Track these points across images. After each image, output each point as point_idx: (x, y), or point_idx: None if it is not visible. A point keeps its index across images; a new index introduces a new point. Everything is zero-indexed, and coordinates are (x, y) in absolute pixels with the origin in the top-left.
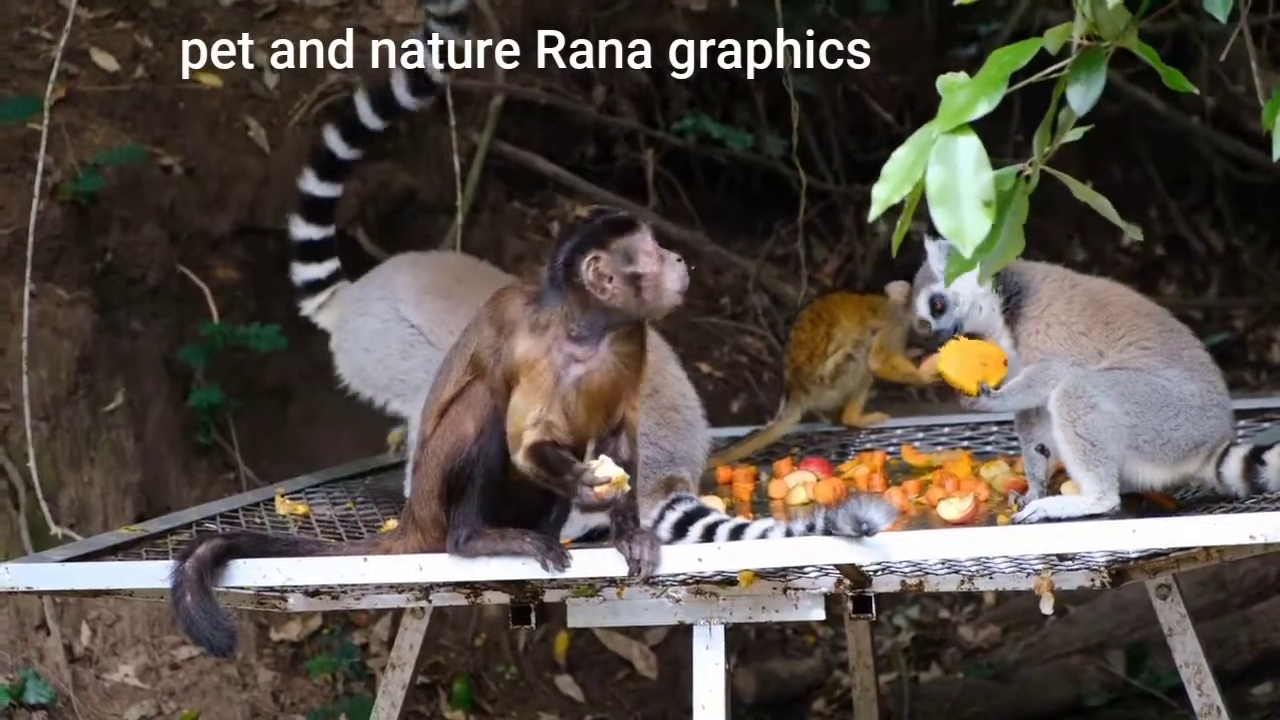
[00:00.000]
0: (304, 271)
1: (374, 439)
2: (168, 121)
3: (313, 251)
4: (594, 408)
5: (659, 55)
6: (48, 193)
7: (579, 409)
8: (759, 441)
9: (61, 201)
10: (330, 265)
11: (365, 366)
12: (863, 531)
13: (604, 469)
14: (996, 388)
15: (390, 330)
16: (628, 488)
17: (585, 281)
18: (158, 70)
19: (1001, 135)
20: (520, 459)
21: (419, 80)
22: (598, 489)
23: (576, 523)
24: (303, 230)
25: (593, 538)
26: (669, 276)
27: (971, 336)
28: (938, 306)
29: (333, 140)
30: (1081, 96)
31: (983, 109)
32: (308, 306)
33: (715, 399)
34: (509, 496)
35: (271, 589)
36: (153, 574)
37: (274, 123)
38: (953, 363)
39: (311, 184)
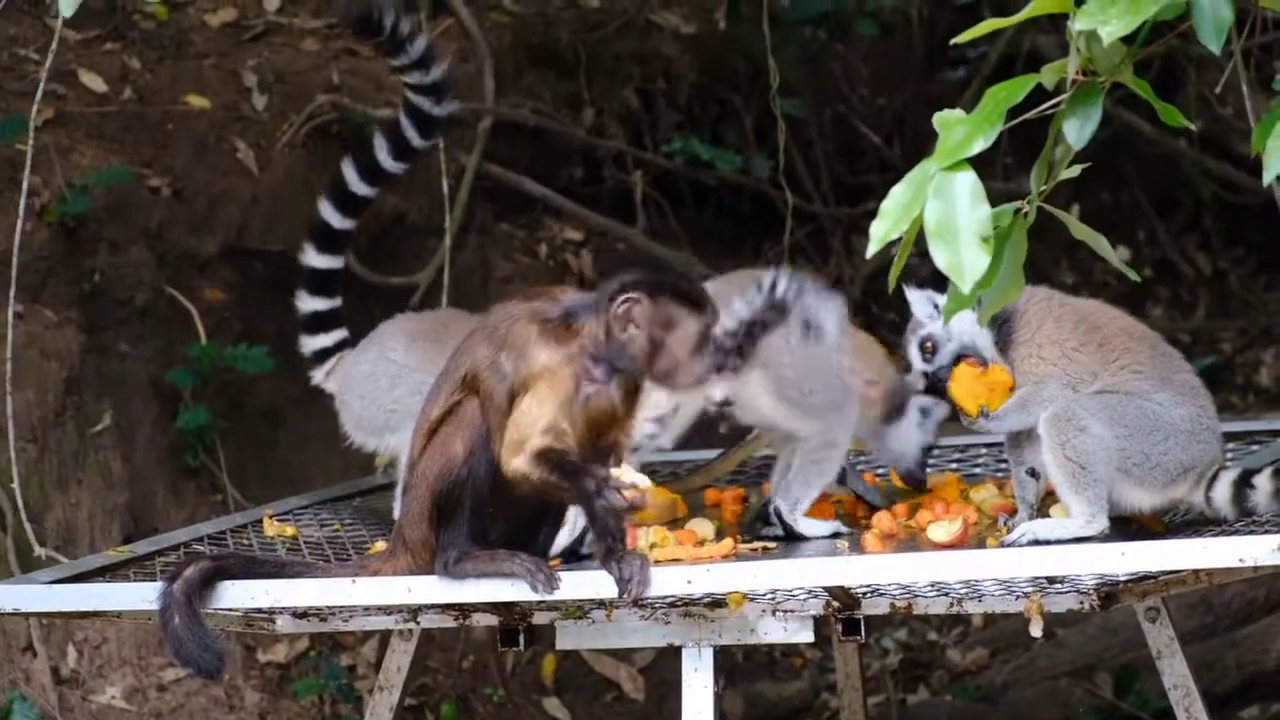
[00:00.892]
0: (311, 342)
1: (362, 461)
2: (156, 143)
3: (320, 283)
4: (590, 430)
5: (647, 77)
6: (35, 214)
7: (580, 426)
8: (741, 455)
9: (49, 223)
10: (338, 334)
11: (362, 414)
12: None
13: (630, 474)
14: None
15: (379, 369)
16: (650, 498)
17: (614, 313)
18: (146, 91)
19: (990, 159)
20: (524, 465)
21: (421, 122)
22: (626, 492)
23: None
24: (314, 259)
25: (571, 557)
26: (692, 369)
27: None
28: (928, 349)
29: (350, 175)
30: (1078, 131)
31: (980, 146)
32: (317, 375)
33: (703, 421)
34: (498, 518)
35: (260, 611)
36: (140, 596)
37: (262, 144)
38: (962, 384)
39: (330, 214)
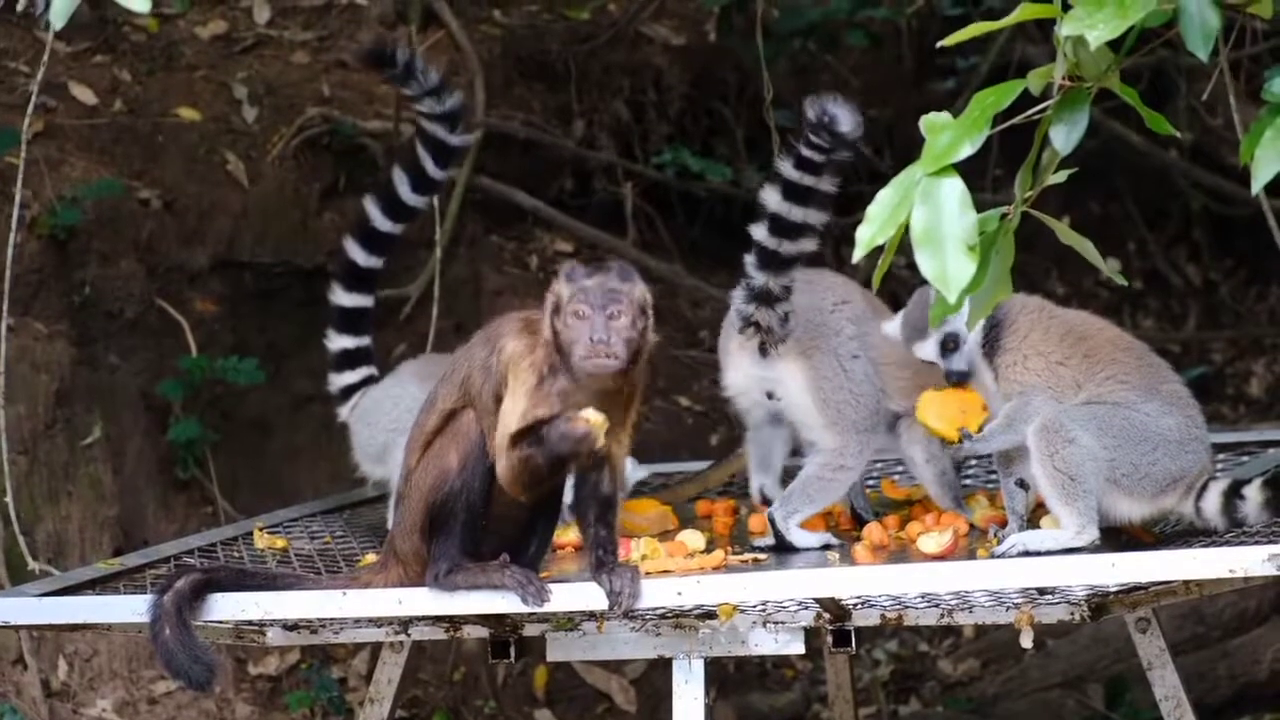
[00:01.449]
0: (339, 379)
1: (351, 473)
2: (146, 155)
3: (349, 321)
4: None
5: (638, 89)
6: (25, 226)
7: None
8: (734, 466)
9: (39, 235)
10: (365, 371)
11: (366, 441)
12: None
13: (586, 412)
14: (978, 431)
15: (386, 396)
16: (601, 441)
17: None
18: (136, 104)
19: (980, 170)
20: (509, 460)
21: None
22: (575, 421)
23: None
24: (342, 298)
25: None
26: (580, 345)
27: (970, 374)
28: (950, 346)
29: (374, 213)
30: (1065, 137)
31: (966, 151)
32: (343, 412)
33: (694, 432)
34: (490, 530)
35: (250, 623)
36: (131, 608)
37: (252, 156)
38: (933, 412)
39: (356, 253)
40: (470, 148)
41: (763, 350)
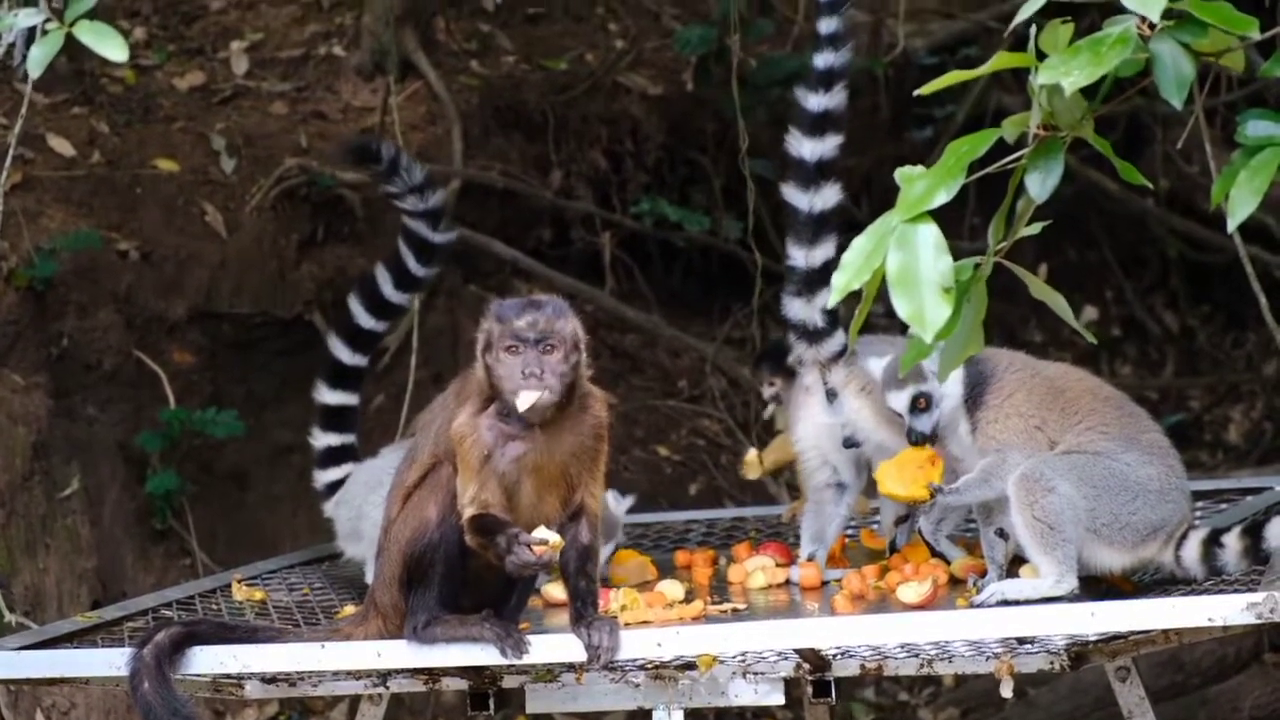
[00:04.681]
0: (323, 476)
1: (330, 524)
2: (124, 206)
3: (335, 419)
4: (544, 489)
5: (615, 139)
6: (3, 278)
7: (527, 489)
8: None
9: (17, 287)
10: (349, 467)
11: (342, 521)
12: None
13: (540, 531)
14: (946, 481)
15: (363, 479)
16: (558, 557)
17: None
18: (114, 155)
19: (957, 219)
20: (469, 536)
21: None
22: (536, 547)
23: None
24: (326, 395)
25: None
26: (508, 378)
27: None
28: (920, 405)
29: (357, 310)
30: (1040, 184)
31: (941, 198)
32: (328, 507)
33: (673, 481)
34: (470, 583)
35: (229, 676)
36: (110, 662)
37: (230, 207)
38: (894, 481)
39: (341, 351)
40: (448, 244)
41: (830, 395)
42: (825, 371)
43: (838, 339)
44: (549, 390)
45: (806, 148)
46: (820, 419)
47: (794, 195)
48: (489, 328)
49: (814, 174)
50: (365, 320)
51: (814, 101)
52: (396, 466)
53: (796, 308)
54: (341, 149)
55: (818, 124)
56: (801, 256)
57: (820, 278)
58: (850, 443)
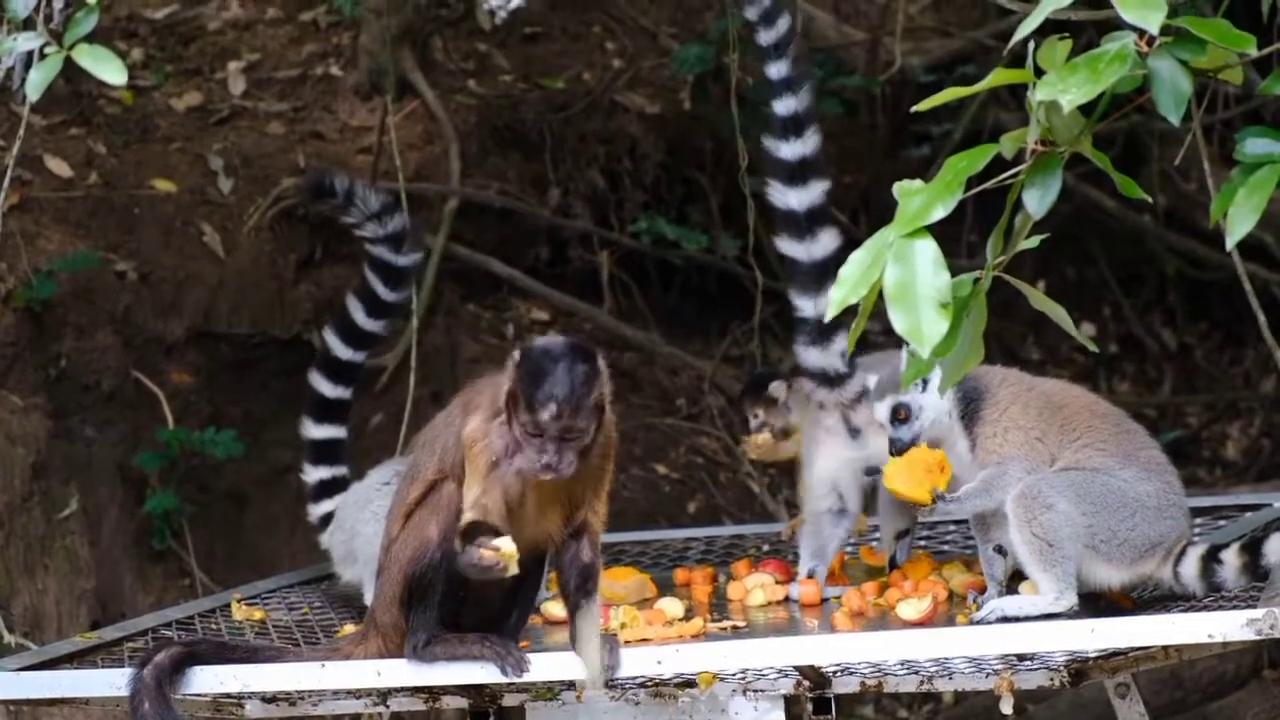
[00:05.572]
0: (316, 509)
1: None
2: (122, 227)
3: (323, 453)
4: (547, 504)
5: (613, 158)
6: (1, 299)
7: (530, 503)
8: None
9: (15, 308)
10: (341, 499)
11: (338, 547)
12: None
13: (501, 540)
14: (950, 490)
15: (349, 498)
16: (515, 569)
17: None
18: (111, 176)
19: (955, 236)
20: (456, 542)
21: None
22: (484, 550)
23: None
24: (312, 430)
25: None
26: (525, 455)
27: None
28: (900, 416)
29: (334, 343)
30: (1037, 201)
31: (939, 214)
32: (325, 540)
33: (672, 500)
34: (471, 601)
35: (229, 696)
36: (110, 682)
37: (228, 228)
38: (900, 479)
39: (323, 385)
40: (419, 266)
41: (853, 432)
42: (849, 413)
43: (858, 381)
44: (564, 472)
45: (792, 198)
46: (844, 454)
47: (790, 247)
48: (513, 391)
49: (804, 223)
50: (343, 352)
51: (787, 150)
52: (383, 482)
53: (813, 356)
54: (298, 190)
55: (797, 173)
56: (810, 306)
57: (832, 324)
58: (872, 471)
